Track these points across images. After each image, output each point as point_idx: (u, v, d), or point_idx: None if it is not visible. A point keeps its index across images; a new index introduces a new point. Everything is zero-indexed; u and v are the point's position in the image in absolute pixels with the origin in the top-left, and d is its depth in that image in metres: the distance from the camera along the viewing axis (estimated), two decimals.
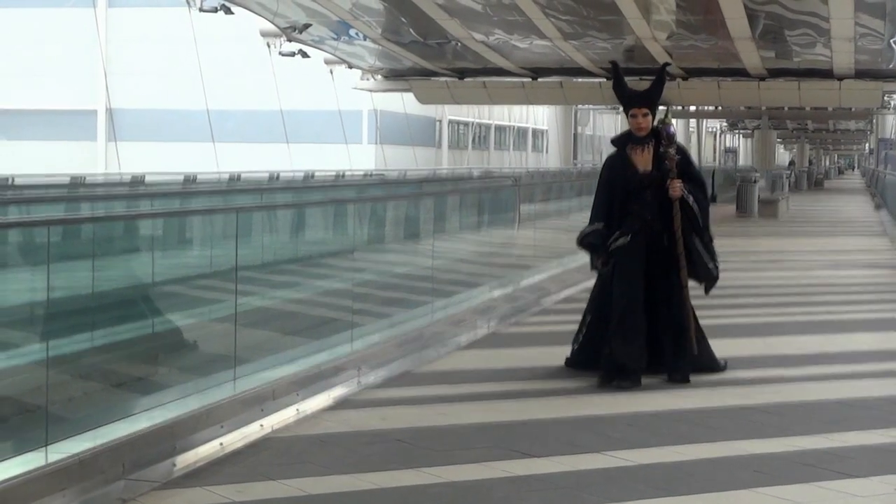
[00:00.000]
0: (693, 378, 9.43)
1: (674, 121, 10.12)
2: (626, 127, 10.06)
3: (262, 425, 7.79)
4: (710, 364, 9.85)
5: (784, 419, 8.19)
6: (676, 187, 9.53)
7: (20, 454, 6.46)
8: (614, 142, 10.14)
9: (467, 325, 12.50)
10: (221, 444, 7.30)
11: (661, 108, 10.19)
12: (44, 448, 6.44)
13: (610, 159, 10.08)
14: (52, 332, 7.66)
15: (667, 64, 10.91)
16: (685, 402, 8.71)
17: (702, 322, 12.15)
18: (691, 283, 9.70)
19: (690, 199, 9.58)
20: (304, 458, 7.08)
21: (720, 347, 10.99)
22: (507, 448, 7.34)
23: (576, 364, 9.93)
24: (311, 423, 7.95)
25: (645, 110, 9.71)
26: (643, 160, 9.66)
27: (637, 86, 10.36)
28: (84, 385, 8.48)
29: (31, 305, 8.13)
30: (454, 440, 7.57)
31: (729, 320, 12.89)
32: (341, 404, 8.58)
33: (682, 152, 9.80)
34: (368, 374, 9.62)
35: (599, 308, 9.84)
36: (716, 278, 9.92)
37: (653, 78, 10.03)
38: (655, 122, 9.69)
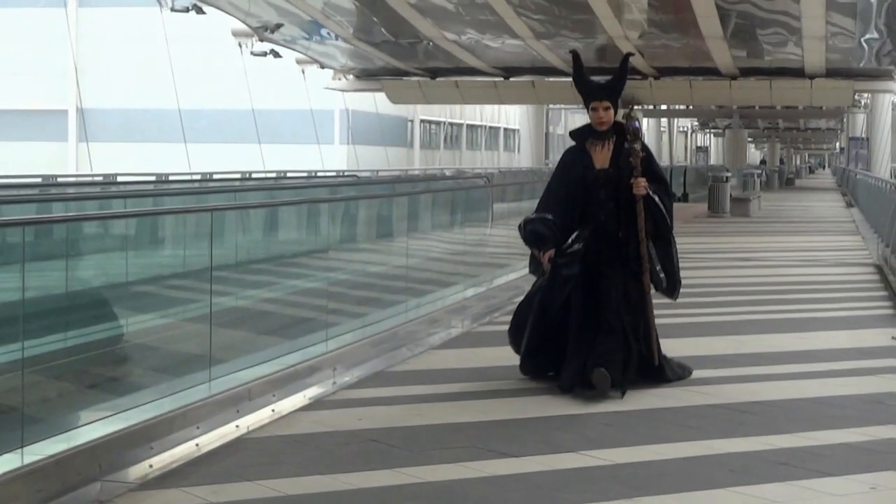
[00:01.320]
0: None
1: (640, 115, 9.92)
2: None
3: (237, 426, 7.77)
4: (678, 371, 9.47)
5: (760, 418, 8.20)
6: (641, 185, 9.07)
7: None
8: (573, 135, 9.60)
9: (441, 324, 12.49)
10: (197, 444, 7.28)
11: (638, 107, 10.06)
12: (20, 450, 6.41)
13: (567, 153, 9.57)
14: (25, 332, 7.61)
15: (630, 54, 10.25)
16: (661, 402, 8.70)
17: (675, 321, 12.27)
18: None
19: (657, 199, 9.19)
20: (280, 459, 7.05)
21: (693, 346, 11.07)
22: (483, 448, 7.33)
23: (534, 370, 9.43)
24: (287, 424, 7.93)
25: (606, 104, 9.17)
26: (602, 156, 9.22)
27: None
28: (58, 386, 8.45)
29: (4, 306, 8.07)
30: (430, 440, 7.56)
31: (700, 319, 12.93)
32: (316, 404, 8.56)
33: (645, 149, 9.34)
34: (343, 373, 9.60)
35: (542, 314, 9.23)
36: (665, 287, 9.42)
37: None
38: (620, 116, 9.29)
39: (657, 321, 9.25)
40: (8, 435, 6.55)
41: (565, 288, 9.07)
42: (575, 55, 9.70)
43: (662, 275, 9.30)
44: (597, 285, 9.06)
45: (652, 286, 9.31)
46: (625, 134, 9.22)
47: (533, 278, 9.57)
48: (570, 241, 9.09)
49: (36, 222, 9.01)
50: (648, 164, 9.25)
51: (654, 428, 7.89)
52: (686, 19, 29.14)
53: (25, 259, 8.39)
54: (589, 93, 9.26)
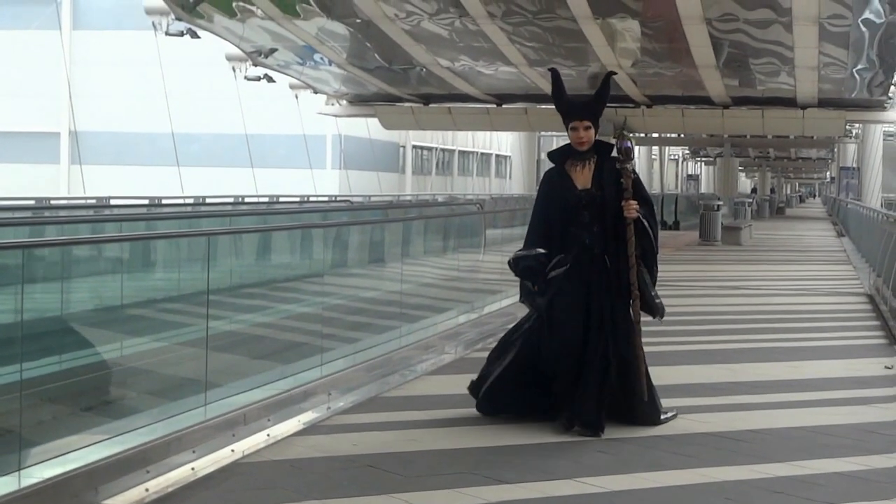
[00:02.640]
0: (662, 404, 9.41)
1: (631, 135, 9.63)
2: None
3: (233, 450, 7.77)
4: (654, 415, 8.91)
5: (754, 446, 8.21)
6: (633, 208, 8.70)
7: None
8: (552, 156, 9.18)
9: (435, 350, 12.50)
10: (193, 468, 7.28)
11: (630, 134, 9.97)
12: (17, 472, 6.41)
13: (547, 176, 9.15)
14: (27, 354, 7.62)
15: (612, 73, 9.76)
16: (655, 429, 8.70)
17: (668, 348, 12.30)
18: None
19: (646, 223, 8.81)
20: (275, 484, 7.05)
21: (687, 374, 11.08)
22: (479, 474, 7.33)
23: (490, 407, 9.02)
24: (282, 448, 7.93)
25: (587, 123, 8.82)
26: (583, 177, 8.83)
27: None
28: (52, 409, 8.45)
29: (2, 328, 8.08)
30: (425, 466, 7.56)
31: (694, 346, 12.94)
32: (311, 429, 8.56)
33: (634, 171, 8.95)
34: (338, 398, 9.61)
35: (525, 345, 8.91)
36: (662, 311, 9.01)
37: (593, 92, 9.15)
38: (613, 137, 9.09)
39: (645, 350, 9.11)
40: (5, 458, 6.55)
41: (540, 318, 8.80)
42: (554, 73, 9.30)
43: (659, 300, 8.94)
44: (586, 314, 8.67)
45: (646, 314, 8.92)
46: (606, 153, 8.93)
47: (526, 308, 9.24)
48: (551, 264, 8.76)
49: (35, 245, 9.00)
50: (636, 186, 8.86)
51: (649, 455, 7.89)
52: (679, 48, 29.22)
53: (16, 282, 8.40)
54: (568, 112, 8.95)
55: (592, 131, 8.87)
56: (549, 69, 9.54)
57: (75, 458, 6.86)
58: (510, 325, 9.88)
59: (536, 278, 8.83)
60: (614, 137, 9.15)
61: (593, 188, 8.80)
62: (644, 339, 8.87)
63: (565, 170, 8.94)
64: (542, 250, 8.81)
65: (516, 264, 8.93)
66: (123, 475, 6.85)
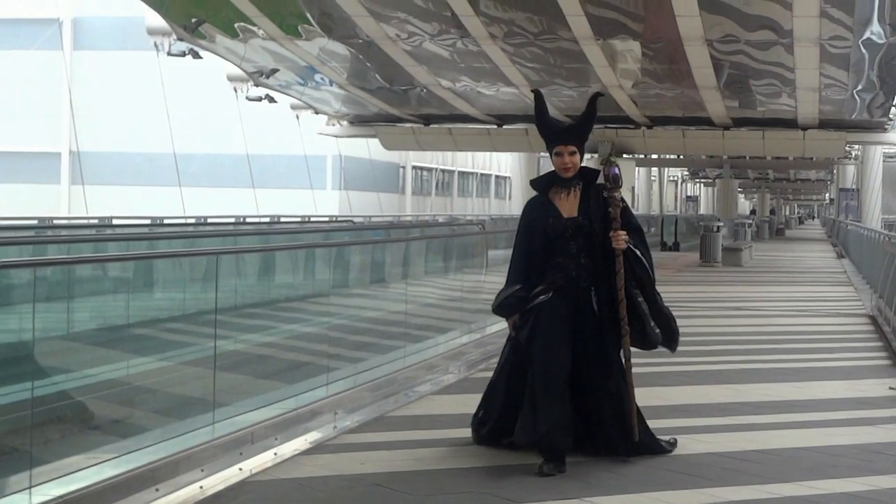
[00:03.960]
0: (667, 424, 9.43)
1: (618, 161, 8.73)
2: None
3: (241, 469, 7.79)
4: (654, 447, 8.56)
5: (762, 467, 8.21)
6: (621, 238, 8.26)
7: (4, 496, 6.44)
8: (535, 184, 8.73)
9: (439, 370, 12.51)
10: (202, 487, 7.29)
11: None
12: (28, 490, 6.43)
13: (530, 204, 8.64)
14: (33, 373, 7.64)
15: (599, 94, 8.91)
16: (674, 440, 8.71)
17: (673, 369, 12.30)
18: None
19: (637, 252, 8.39)
20: (284, 502, 7.06)
21: (692, 394, 11.09)
22: (486, 493, 7.34)
23: (494, 442, 8.63)
24: (290, 467, 7.94)
25: (572, 148, 8.36)
26: (569, 205, 8.37)
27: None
28: (61, 428, 8.45)
29: (11, 347, 8.10)
30: (433, 485, 7.56)
31: (698, 367, 12.94)
32: (318, 448, 8.57)
33: (622, 199, 8.50)
34: (344, 418, 9.62)
35: (510, 377, 8.52)
36: (662, 340, 8.57)
37: (580, 115, 8.70)
38: (600, 163, 8.60)
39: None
40: (16, 476, 6.57)
41: (522, 352, 8.34)
42: (537, 94, 8.86)
43: (658, 330, 8.46)
44: (573, 349, 8.20)
45: (637, 346, 8.51)
46: (592, 180, 8.51)
47: None
48: (531, 294, 8.29)
49: (47, 264, 9.01)
50: (625, 214, 8.42)
51: (657, 475, 7.89)
52: (680, 69, 29.25)
53: (24, 301, 8.43)
54: (552, 136, 8.49)
55: (578, 156, 8.43)
56: (532, 90, 9.09)
57: (85, 477, 6.88)
58: None
59: (513, 313, 8.42)
60: (601, 164, 8.58)
61: (580, 216, 8.36)
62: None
63: (549, 198, 8.48)
64: (518, 286, 8.36)
65: (499, 307, 8.52)
66: (133, 493, 6.87)
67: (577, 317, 8.26)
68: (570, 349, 8.18)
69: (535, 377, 8.14)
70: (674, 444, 8.69)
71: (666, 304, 8.70)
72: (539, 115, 8.68)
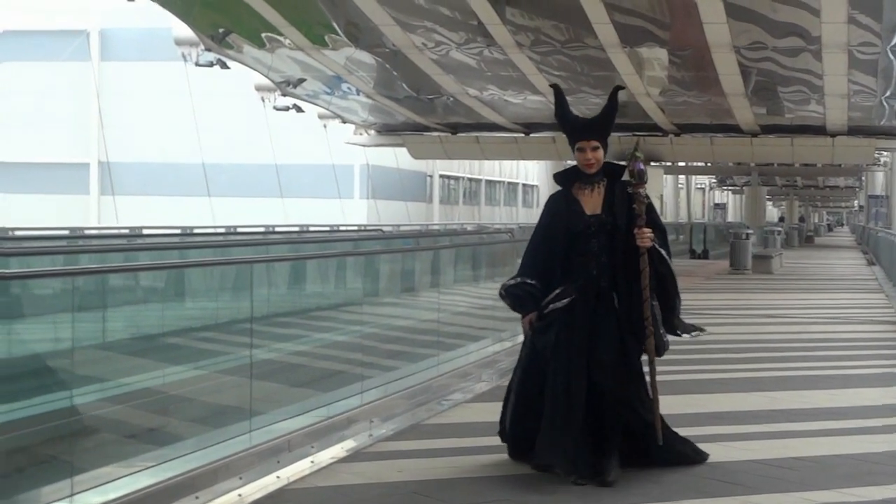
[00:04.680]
0: (703, 431, 9.40)
1: (643, 156, 8.31)
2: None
3: (278, 476, 7.80)
4: (690, 456, 8.38)
5: (798, 474, 8.18)
6: (646, 236, 7.98)
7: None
8: (558, 178, 8.45)
9: (472, 378, 12.51)
10: (240, 495, 7.31)
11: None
12: (69, 498, 6.44)
13: (552, 200, 8.39)
14: (62, 383, 7.67)
15: (620, 87, 8.67)
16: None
17: (706, 376, 12.27)
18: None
19: (663, 252, 8.10)
20: None
21: (727, 402, 11.06)
22: (524, 500, 7.34)
23: (520, 454, 8.30)
24: (327, 475, 7.95)
25: (595, 143, 8.11)
26: (592, 202, 8.11)
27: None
28: (97, 437, 8.47)
29: (47, 356, 8.13)
30: (470, 492, 7.56)
31: (733, 375, 12.90)
32: (355, 456, 8.58)
33: (647, 196, 8.21)
34: (379, 426, 9.64)
35: (524, 383, 8.25)
36: (666, 347, 8.22)
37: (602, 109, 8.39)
38: (626, 159, 8.14)
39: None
40: (57, 485, 6.59)
41: (542, 358, 8.01)
42: (557, 89, 8.58)
43: (667, 338, 8.18)
44: (590, 352, 7.91)
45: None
46: (617, 176, 8.24)
47: None
48: (549, 298, 8.02)
49: (83, 273, 9.04)
50: (649, 212, 8.13)
51: (695, 483, 7.87)
52: (708, 77, 29.20)
53: (56, 310, 8.46)
54: (574, 131, 8.25)
55: (601, 152, 8.16)
56: (551, 85, 8.78)
57: (125, 485, 6.90)
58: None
59: (526, 310, 8.17)
60: (627, 159, 8.16)
61: (603, 214, 8.09)
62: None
63: (572, 194, 8.21)
64: (532, 281, 8.10)
65: (505, 293, 8.27)
66: (173, 501, 6.89)
67: (596, 317, 7.97)
68: (586, 359, 7.88)
69: (556, 396, 7.89)
70: (705, 456, 8.47)
71: (684, 311, 8.38)
72: (559, 111, 8.45)
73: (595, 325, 7.96)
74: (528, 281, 8.09)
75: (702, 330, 8.47)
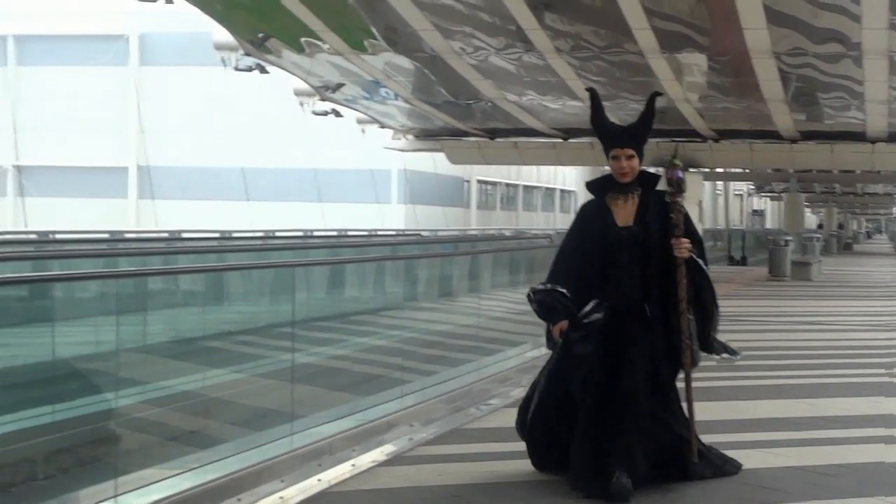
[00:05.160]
0: (744, 438, 9.37)
1: (682, 164, 8.04)
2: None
3: (319, 479, 7.82)
4: (720, 467, 8.14)
5: (844, 481, 8.14)
6: (684, 246, 7.72)
7: None
8: (590, 187, 8.18)
9: (512, 382, 12.48)
10: (282, 497, 7.32)
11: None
12: (113, 499, 6.47)
13: (584, 209, 8.14)
14: (111, 384, 7.70)
15: (657, 94, 8.43)
16: (741, 462, 8.63)
17: (747, 383, 12.22)
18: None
19: (701, 263, 7.84)
20: None
21: (769, 409, 11.00)
22: None
23: (549, 465, 8.08)
24: (368, 478, 7.95)
25: (630, 151, 7.83)
26: (625, 212, 7.85)
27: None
28: (140, 438, 8.51)
29: (91, 358, 8.16)
30: (510, 496, 7.55)
31: (774, 381, 12.85)
32: (396, 460, 8.58)
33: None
34: (420, 430, 9.65)
35: (547, 390, 8.01)
36: (697, 361, 7.96)
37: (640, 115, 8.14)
38: (664, 167, 7.91)
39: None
40: (102, 486, 6.62)
41: (580, 369, 7.77)
42: (593, 94, 8.34)
43: (699, 353, 7.92)
44: (619, 364, 7.68)
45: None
46: (652, 186, 7.99)
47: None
48: (586, 310, 7.74)
49: (128, 275, 9.08)
50: (685, 222, 7.87)
51: (738, 489, 7.83)
52: (747, 82, 29.08)
53: (96, 313, 8.49)
54: (609, 138, 7.96)
55: (636, 160, 7.89)
56: (588, 89, 8.57)
57: (168, 486, 6.93)
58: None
59: (553, 319, 7.87)
60: (665, 167, 7.92)
61: (635, 225, 7.83)
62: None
63: (605, 203, 7.94)
64: (562, 289, 7.76)
65: (532, 298, 7.93)
66: (215, 503, 6.90)
67: (628, 331, 7.73)
68: (618, 369, 7.66)
69: (592, 411, 7.66)
70: (738, 466, 8.28)
71: (723, 318, 8.17)
72: (595, 117, 8.18)
73: (627, 338, 7.72)
74: (559, 289, 7.78)
75: (735, 354, 8.23)
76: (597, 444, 7.58)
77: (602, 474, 7.46)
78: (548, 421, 7.97)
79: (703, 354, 8.04)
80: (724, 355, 8.17)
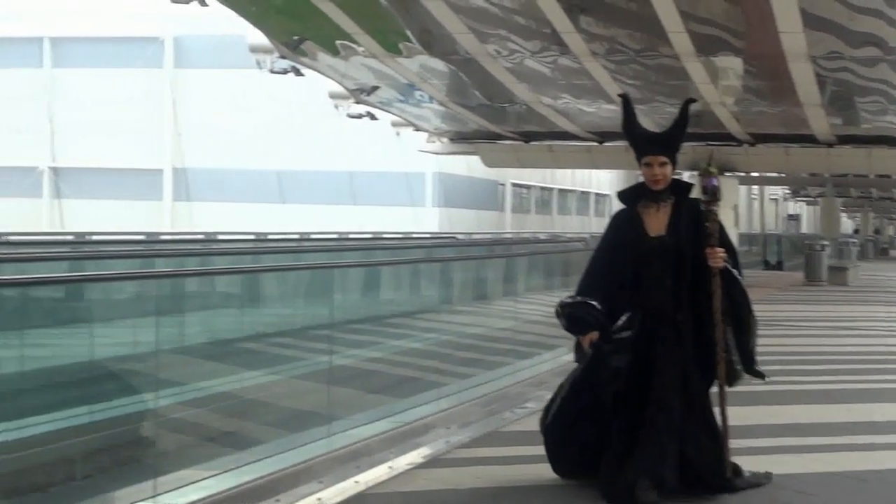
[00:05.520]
0: (780, 442, 9.34)
1: (717, 171, 7.81)
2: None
3: (357, 481, 7.82)
4: (752, 482, 7.88)
5: (882, 486, 8.11)
6: (719, 256, 7.52)
7: None
8: (622, 196, 7.98)
9: (547, 386, 12.43)
10: (320, 499, 7.33)
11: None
12: (152, 499, 6.50)
13: (615, 219, 7.95)
14: (148, 385, 7.74)
15: (692, 100, 8.28)
16: (778, 467, 8.57)
17: (783, 388, 12.17)
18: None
19: (736, 273, 7.64)
20: None
21: (805, 413, 10.96)
22: None
23: (570, 470, 7.98)
24: (406, 480, 7.96)
25: (663, 158, 7.63)
26: (657, 221, 7.65)
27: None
28: (177, 439, 8.54)
29: (128, 359, 8.20)
30: (548, 500, 7.55)
31: (811, 386, 12.80)
32: (433, 462, 8.59)
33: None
34: (457, 432, 9.65)
35: (570, 399, 7.86)
36: (739, 376, 7.76)
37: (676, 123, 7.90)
38: (699, 173, 7.69)
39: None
40: (141, 486, 6.65)
41: (613, 383, 7.59)
42: (625, 99, 8.08)
43: (739, 366, 7.69)
44: (650, 375, 7.54)
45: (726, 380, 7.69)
46: (685, 194, 7.79)
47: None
48: (619, 324, 7.58)
49: (167, 276, 9.12)
50: (720, 231, 7.67)
51: (776, 494, 7.80)
52: (783, 86, 28.99)
53: (134, 315, 8.53)
54: (642, 145, 7.78)
55: (669, 168, 7.68)
56: (620, 95, 8.26)
57: (206, 487, 6.95)
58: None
59: (583, 331, 7.66)
60: (699, 174, 7.71)
61: (667, 235, 7.64)
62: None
63: (637, 212, 7.74)
64: (593, 301, 7.59)
65: (562, 311, 7.74)
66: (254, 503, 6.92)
67: (660, 343, 7.55)
68: (647, 382, 7.50)
69: (623, 423, 7.54)
70: (769, 478, 8.06)
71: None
72: (627, 122, 7.94)
73: (659, 349, 7.55)
74: (589, 301, 7.61)
75: (762, 377, 7.96)
76: (626, 455, 7.47)
77: (630, 484, 7.36)
78: (565, 426, 7.84)
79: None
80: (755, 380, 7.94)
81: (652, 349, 7.53)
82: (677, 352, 7.56)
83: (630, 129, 7.91)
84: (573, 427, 7.80)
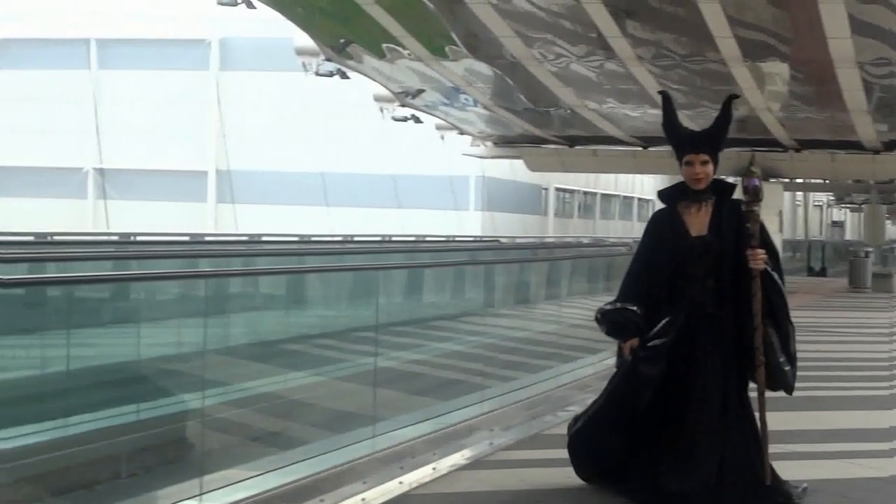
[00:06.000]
0: (823, 448, 9.31)
1: (760, 171, 7.69)
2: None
3: (401, 482, 7.85)
4: (789, 493, 7.60)
5: None
6: (760, 257, 7.32)
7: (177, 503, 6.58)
8: (662, 195, 7.83)
9: (591, 390, 12.44)
10: (363, 499, 7.36)
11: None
12: (198, 497, 6.54)
13: (656, 218, 7.80)
14: (193, 384, 7.79)
15: (735, 96, 7.98)
16: (819, 473, 8.55)
17: (825, 394, 12.14)
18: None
19: (775, 276, 7.43)
20: None
21: (849, 419, 10.92)
22: None
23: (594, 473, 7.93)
24: (450, 482, 7.98)
25: (704, 157, 7.43)
26: (698, 221, 7.47)
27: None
28: (221, 438, 8.59)
29: (174, 359, 8.26)
30: (593, 502, 7.55)
31: (855, 392, 12.76)
32: (476, 464, 8.61)
33: None
34: (500, 435, 9.66)
35: (605, 406, 7.82)
36: (792, 385, 7.57)
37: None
38: (741, 174, 7.53)
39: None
40: (187, 484, 6.70)
41: (647, 390, 7.43)
42: (665, 97, 7.95)
43: (787, 367, 7.46)
44: (688, 378, 7.38)
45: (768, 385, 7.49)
46: (727, 194, 7.61)
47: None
48: (656, 329, 7.42)
49: (215, 275, 9.18)
50: (761, 232, 7.45)
51: (817, 500, 7.78)
52: (830, 92, 28.87)
53: (180, 315, 8.59)
54: (682, 143, 7.56)
55: (711, 166, 7.49)
56: (660, 92, 8.17)
57: (251, 486, 6.99)
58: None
59: (624, 337, 7.54)
60: (741, 175, 7.53)
61: (709, 235, 7.46)
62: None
63: (678, 212, 7.57)
64: (633, 307, 7.45)
65: (602, 318, 7.64)
66: (300, 503, 6.96)
67: (700, 346, 7.38)
68: (687, 386, 7.35)
69: (655, 430, 7.44)
70: (805, 490, 7.78)
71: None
72: (667, 120, 7.72)
73: (698, 352, 7.39)
74: (629, 307, 7.47)
75: (790, 391, 7.65)
76: (657, 461, 7.40)
77: (662, 489, 7.32)
78: (595, 433, 7.81)
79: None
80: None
81: (693, 349, 7.36)
82: (717, 353, 7.39)
83: (670, 128, 7.72)
84: (602, 435, 7.76)
